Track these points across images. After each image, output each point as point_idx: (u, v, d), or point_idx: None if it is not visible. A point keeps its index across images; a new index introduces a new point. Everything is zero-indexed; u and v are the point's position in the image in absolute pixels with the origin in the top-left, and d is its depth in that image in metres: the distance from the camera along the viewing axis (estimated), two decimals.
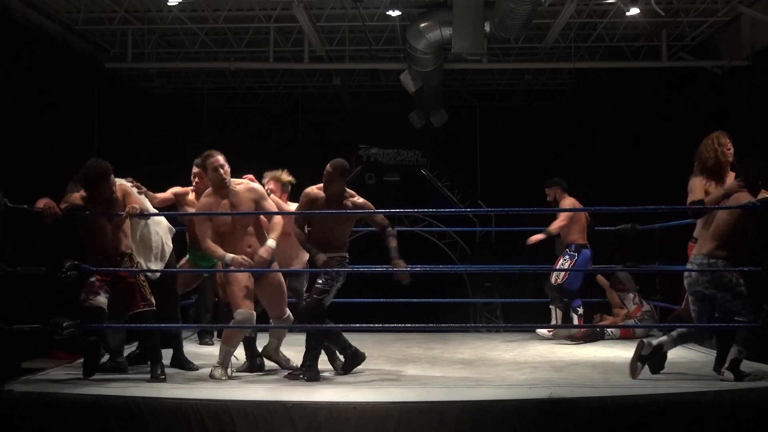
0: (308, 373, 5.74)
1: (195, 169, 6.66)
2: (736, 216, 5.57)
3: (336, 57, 12.02)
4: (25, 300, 8.30)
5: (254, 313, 5.93)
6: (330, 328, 5.93)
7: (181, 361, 6.22)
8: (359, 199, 6.04)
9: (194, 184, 6.70)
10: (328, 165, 5.93)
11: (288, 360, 6.28)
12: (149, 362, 5.83)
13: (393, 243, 5.92)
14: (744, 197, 5.58)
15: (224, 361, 5.89)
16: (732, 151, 5.79)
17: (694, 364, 6.34)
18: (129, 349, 6.56)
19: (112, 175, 5.69)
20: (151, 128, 12.76)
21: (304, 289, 6.50)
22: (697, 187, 5.76)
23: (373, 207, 6.07)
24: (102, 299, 5.62)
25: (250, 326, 5.93)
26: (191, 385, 5.56)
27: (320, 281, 5.85)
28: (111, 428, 4.89)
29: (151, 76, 12.76)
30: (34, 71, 9.38)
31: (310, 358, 5.80)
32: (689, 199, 5.76)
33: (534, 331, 8.38)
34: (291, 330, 6.55)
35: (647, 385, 5.53)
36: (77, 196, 5.73)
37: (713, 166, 5.74)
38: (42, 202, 5.58)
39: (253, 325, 6.06)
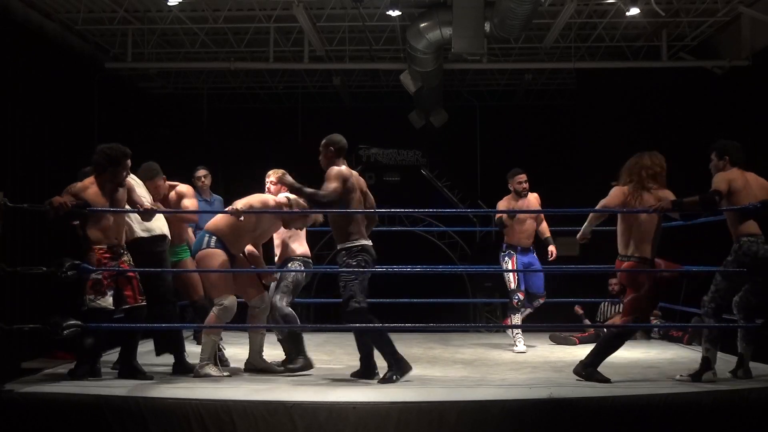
0: (398, 370, 5.63)
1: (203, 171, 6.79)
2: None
3: (336, 57, 12.01)
4: (25, 300, 8.29)
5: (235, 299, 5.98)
6: (330, 328, 5.94)
7: (183, 366, 6.14)
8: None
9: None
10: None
11: (272, 364, 6.23)
12: (121, 354, 5.83)
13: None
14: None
15: (211, 354, 5.89)
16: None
17: (695, 364, 6.31)
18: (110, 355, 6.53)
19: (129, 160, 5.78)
20: (151, 128, 12.73)
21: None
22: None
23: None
24: (109, 299, 5.62)
25: (262, 325, 5.92)
26: (191, 385, 5.56)
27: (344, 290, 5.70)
28: (111, 428, 4.89)
29: (151, 76, 12.74)
30: (34, 71, 9.36)
31: (391, 358, 5.66)
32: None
33: (534, 332, 8.39)
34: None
35: (647, 385, 5.53)
36: (85, 184, 5.71)
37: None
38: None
39: (261, 325, 6.11)
